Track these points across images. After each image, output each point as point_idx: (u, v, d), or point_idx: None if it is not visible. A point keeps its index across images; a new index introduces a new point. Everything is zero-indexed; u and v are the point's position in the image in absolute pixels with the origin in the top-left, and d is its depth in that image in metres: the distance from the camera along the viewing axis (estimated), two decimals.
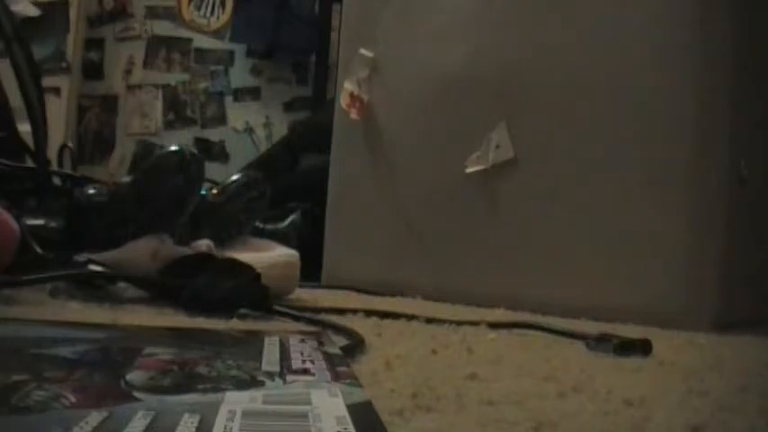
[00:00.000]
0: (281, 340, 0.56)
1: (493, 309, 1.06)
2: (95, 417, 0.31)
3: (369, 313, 0.84)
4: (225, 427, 0.31)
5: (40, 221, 0.99)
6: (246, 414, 0.33)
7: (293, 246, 1.08)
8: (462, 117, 1.23)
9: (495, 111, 1.18)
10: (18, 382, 0.37)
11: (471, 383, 0.50)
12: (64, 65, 3.28)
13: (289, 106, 3.19)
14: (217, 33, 3.27)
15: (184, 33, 3.30)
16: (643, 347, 0.69)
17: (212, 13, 3.28)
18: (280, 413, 0.35)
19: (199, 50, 3.29)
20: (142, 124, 3.32)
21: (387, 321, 0.82)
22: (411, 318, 0.84)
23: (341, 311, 0.85)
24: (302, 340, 0.57)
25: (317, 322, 0.74)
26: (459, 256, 1.22)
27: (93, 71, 3.38)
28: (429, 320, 0.83)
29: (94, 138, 3.37)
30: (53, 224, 1.00)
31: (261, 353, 0.50)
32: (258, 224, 1.35)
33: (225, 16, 3.25)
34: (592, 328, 0.82)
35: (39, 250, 0.87)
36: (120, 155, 3.31)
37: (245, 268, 0.85)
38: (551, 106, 1.14)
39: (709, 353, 0.76)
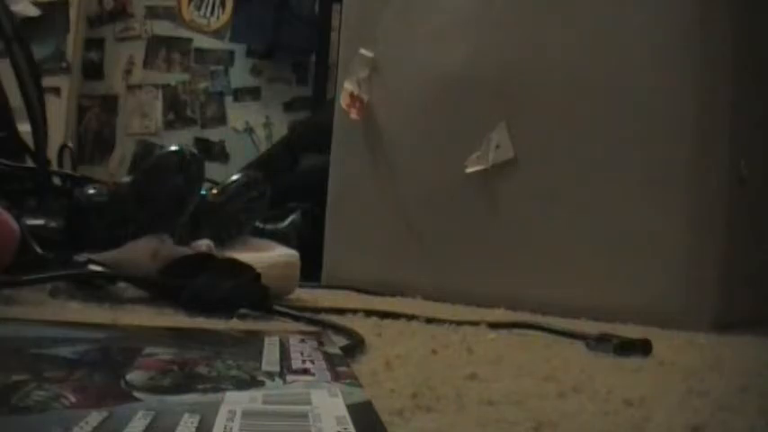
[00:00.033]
0: (281, 340, 0.56)
1: (493, 309, 1.06)
2: (95, 417, 0.31)
3: (369, 313, 0.84)
4: (225, 427, 0.31)
5: (40, 221, 0.99)
6: (246, 414, 0.33)
7: (293, 246, 1.08)
8: (462, 117, 1.23)
9: (495, 111, 1.18)
10: (18, 382, 0.37)
11: (471, 383, 0.50)
12: (64, 65, 3.28)
13: (289, 106, 3.19)
14: (217, 33, 3.27)
15: (184, 33, 3.30)
16: (643, 347, 0.69)
17: (212, 13, 3.28)
18: (280, 413, 0.35)
19: (199, 50, 3.28)
20: (142, 124, 3.32)
21: (387, 321, 0.82)
22: (411, 318, 0.84)
23: (341, 311, 0.85)
24: (302, 340, 0.57)
25: (316, 322, 0.74)
26: (459, 256, 1.22)
27: (93, 71, 3.38)
28: (429, 320, 0.83)
29: (94, 138, 3.37)
30: (53, 224, 1.00)
31: (261, 353, 0.50)
32: (258, 224, 1.35)
33: (225, 16, 3.25)
34: (592, 328, 0.82)
35: (39, 250, 0.87)
36: (120, 155, 3.31)
37: (245, 268, 0.85)
38: (551, 106, 1.14)
39: (709, 353, 0.76)
